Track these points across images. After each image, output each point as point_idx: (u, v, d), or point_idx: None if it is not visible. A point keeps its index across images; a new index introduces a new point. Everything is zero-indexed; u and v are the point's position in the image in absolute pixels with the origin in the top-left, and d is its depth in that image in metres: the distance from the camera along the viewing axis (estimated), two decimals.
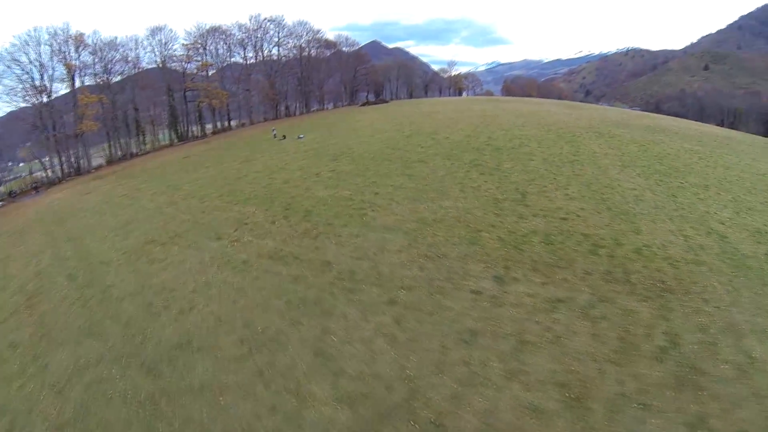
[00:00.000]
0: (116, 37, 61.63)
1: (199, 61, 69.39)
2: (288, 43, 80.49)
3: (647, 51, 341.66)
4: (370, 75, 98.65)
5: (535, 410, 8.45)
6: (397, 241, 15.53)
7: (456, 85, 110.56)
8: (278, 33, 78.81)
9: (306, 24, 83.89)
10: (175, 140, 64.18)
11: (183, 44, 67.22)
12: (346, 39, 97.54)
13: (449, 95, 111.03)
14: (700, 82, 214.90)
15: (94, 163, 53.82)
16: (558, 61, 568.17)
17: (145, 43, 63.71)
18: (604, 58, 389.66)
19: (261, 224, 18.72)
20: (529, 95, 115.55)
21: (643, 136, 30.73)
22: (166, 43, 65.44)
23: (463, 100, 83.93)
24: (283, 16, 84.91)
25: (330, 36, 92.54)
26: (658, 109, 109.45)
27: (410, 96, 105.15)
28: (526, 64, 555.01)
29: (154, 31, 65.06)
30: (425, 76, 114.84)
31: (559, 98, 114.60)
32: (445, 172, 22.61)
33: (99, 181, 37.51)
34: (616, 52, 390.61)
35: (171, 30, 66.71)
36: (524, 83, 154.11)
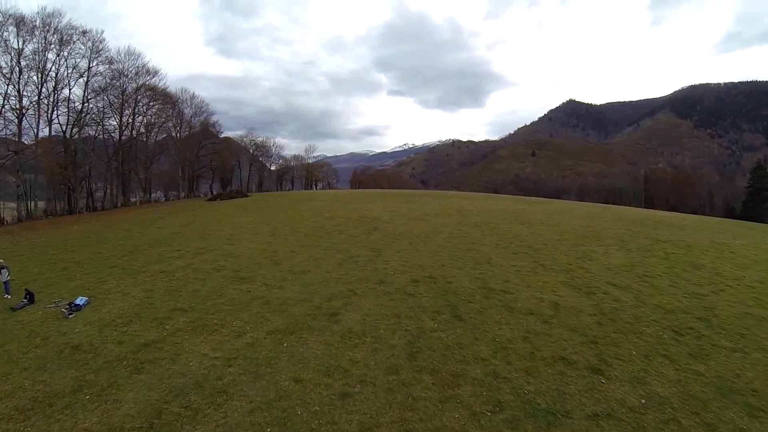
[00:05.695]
0: None
1: None
2: (103, 79, 50.61)
3: (471, 142, 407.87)
4: (222, 155, 72.40)
5: None
6: None
7: (311, 176, 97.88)
8: (90, 54, 48.08)
9: (138, 56, 54.98)
10: None
11: None
12: (192, 97, 68.33)
13: (302, 187, 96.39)
14: (531, 166, 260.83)
15: None
16: (383, 153, 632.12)
17: None
18: (430, 150, 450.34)
19: None
20: (381, 186, 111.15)
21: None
22: None
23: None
24: (102, 31, 50.73)
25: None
26: (497, 193, 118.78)
27: (260, 187, 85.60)
28: (353, 158, 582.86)
29: None
30: (284, 163, 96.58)
31: (407, 188, 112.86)
32: None
33: None
34: (439, 144, 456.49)
35: None
36: (374, 174, 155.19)
